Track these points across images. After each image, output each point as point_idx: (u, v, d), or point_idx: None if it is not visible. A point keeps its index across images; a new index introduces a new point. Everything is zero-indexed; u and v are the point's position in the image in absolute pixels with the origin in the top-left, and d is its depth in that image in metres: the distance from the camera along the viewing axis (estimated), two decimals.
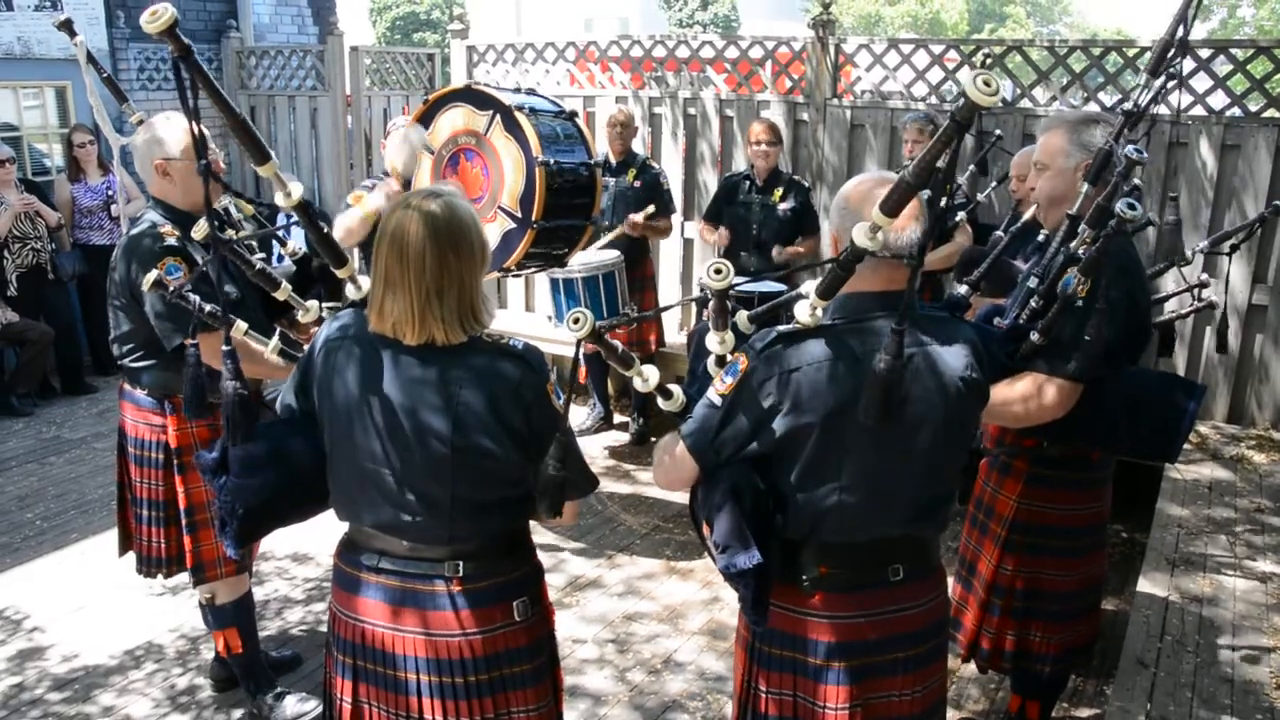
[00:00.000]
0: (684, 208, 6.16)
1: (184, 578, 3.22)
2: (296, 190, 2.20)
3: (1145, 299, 2.60)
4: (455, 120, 3.97)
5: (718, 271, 1.92)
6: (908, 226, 1.81)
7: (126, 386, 3.05)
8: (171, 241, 2.74)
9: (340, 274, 2.30)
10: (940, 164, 1.65)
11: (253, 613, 3.33)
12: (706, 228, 5.51)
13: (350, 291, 2.29)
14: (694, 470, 1.93)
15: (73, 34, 3.23)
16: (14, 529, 4.69)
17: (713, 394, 1.90)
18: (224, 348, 2.11)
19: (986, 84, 1.48)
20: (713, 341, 2.02)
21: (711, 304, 2.00)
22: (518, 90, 4.22)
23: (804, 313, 1.86)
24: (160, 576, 3.16)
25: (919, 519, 1.93)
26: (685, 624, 3.93)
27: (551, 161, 3.83)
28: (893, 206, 1.68)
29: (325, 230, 2.26)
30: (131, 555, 3.19)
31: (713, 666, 3.62)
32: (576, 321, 1.81)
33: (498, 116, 3.86)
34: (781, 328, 1.90)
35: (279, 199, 2.23)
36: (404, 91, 7.56)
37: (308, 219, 2.24)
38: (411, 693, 1.96)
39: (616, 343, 1.94)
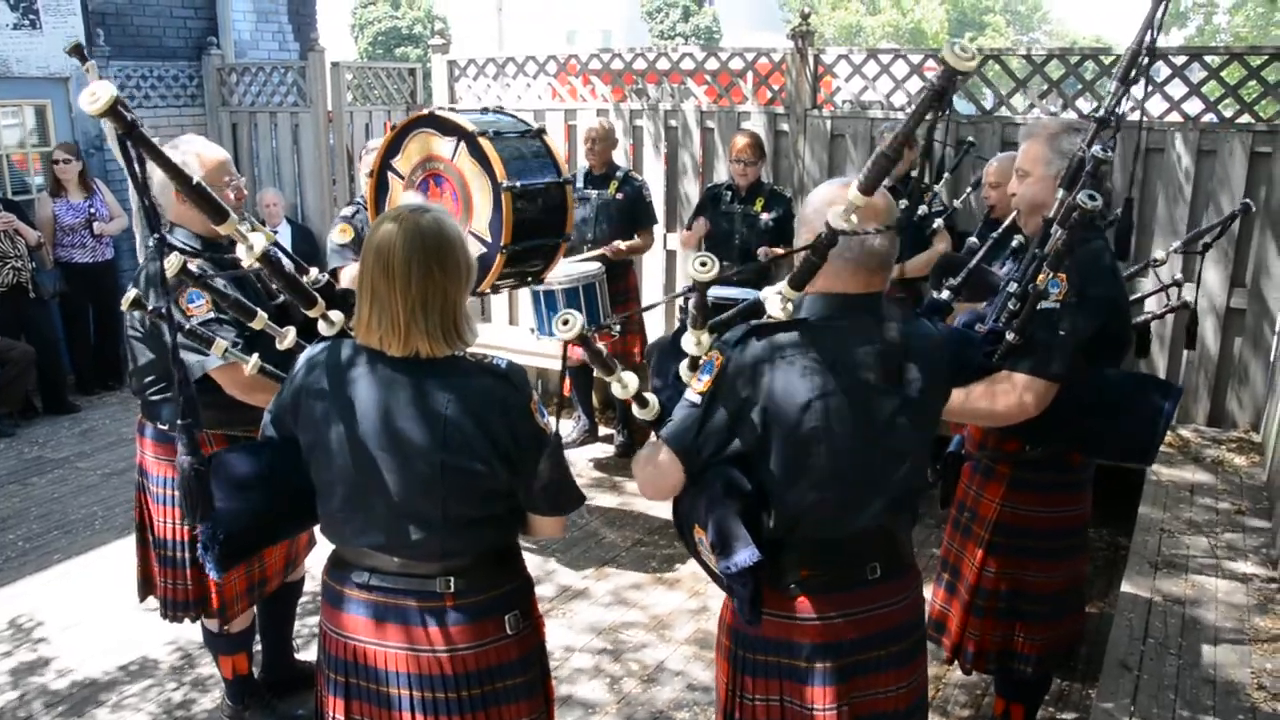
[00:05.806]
0: (666, 219, 6.18)
1: None
2: (259, 243, 2.19)
3: (1125, 302, 2.63)
4: (422, 146, 3.96)
5: (702, 264, 1.86)
6: (877, 221, 1.81)
7: (145, 421, 2.96)
8: (190, 268, 2.71)
9: (311, 314, 2.29)
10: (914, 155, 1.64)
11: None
12: (688, 236, 5.51)
13: (323, 328, 2.29)
14: (679, 474, 1.92)
15: (84, 59, 3.18)
16: None
17: (690, 394, 1.90)
18: (180, 421, 2.02)
19: (963, 49, 1.47)
20: (689, 342, 1.98)
21: (693, 299, 1.95)
22: (485, 111, 4.20)
23: (775, 306, 1.86)
24: (187, 621, 3.07)
25: (891, 510, 1.96)
26: (673, 634, 3.93)
27: (517, 185, 3.80)
28: (870, 183, 1.66)
29: (293, 277, 2.28)
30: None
31: (701, 676, 3.62)
32: (565, 323, 1.82)
33: (462, 143, 3.83)
34: (754, 321, 1.90)
35: (241, 253, 2.22)
36: (386, 106, 7.56)
37: (272, 269, 2.25)
38: (404, 709, 1.95)
39: (601, 346, 1.94)
